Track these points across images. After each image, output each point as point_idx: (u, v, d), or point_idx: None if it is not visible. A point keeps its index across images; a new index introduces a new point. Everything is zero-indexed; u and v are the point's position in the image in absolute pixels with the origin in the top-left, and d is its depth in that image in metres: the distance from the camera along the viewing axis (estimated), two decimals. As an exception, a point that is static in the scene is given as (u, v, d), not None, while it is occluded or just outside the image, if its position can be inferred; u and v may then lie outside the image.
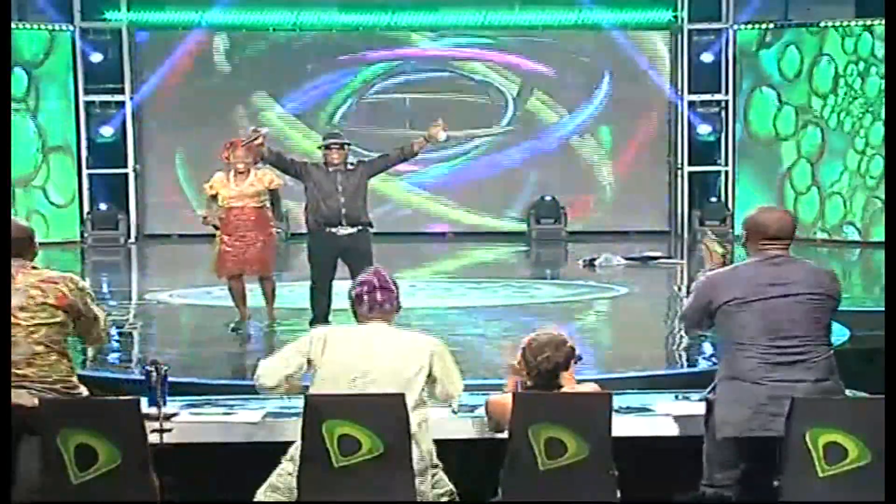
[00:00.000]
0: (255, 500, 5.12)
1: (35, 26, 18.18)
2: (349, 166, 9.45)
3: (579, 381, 5.34)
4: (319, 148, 9.69)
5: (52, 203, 18.31)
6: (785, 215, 5.26)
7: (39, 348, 5.12)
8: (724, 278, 5.15)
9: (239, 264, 9.73)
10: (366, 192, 9.49)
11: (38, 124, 18.22)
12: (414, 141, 9.63)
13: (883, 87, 16.87)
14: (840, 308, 5.24)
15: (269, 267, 9.86)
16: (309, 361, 5.11)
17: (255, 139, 9.33)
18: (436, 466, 5.14)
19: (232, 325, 9.93)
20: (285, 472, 5.05)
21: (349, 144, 9.60)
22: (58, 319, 5.17)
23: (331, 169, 9.40)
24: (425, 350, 5.14)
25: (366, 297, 5.21)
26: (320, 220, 9.34)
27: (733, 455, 5.09)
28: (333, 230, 9.21)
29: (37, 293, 5.15)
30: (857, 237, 17.69)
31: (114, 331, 10.74)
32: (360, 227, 9.36)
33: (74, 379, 5.30)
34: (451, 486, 5.18)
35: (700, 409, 5.96)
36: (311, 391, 5.07)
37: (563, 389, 5.19)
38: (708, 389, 5.22)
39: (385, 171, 9.97)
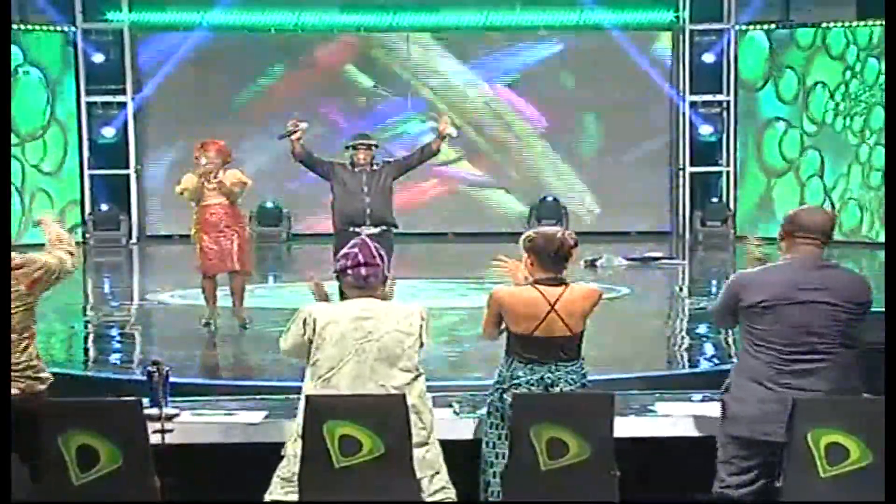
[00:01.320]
0: (271, 499, 5.11)
1: (36, 27, 18.20)
2: (374, 166, 9.55)
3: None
4: (347, 148, 9.79)
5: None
6: (821, 212, 5.19)
7: (13, 336, 5.14)
8: (754, 279, 5.08)
9: (221, 262, 9.89)
10: (391, 192, 9.62)
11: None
12: (431, 141, 9.82)
13: (884, 86, 16.87)
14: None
15: (244, 262, 9.99)
16: (310, 341, 5.12)
17: (294, 133, 9.44)
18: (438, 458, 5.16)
19: (204, 321, 10.10)
20: (291, 464, 5.07)
21: (377, 146, 9.75)
22: (28, 302, 5.21)
23: (356, 169, 9.55)
24: (417, 316, 5.16)
25: (350, 272, 5.18)
26: (345, 219, 9.45)
27: (746, 458, 5.05)
28: (358, 230, 9.23)
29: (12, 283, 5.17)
30: (857, 237, 17.70)
31: (115, 331, 10.79)
32: (384, 227, 9.44)
33: (41, 363, 5.30)
34: (451, 487, 5.19)
35: (701, 409, 5.97)
36: (319, 371, 5.07)
37: (571, 286, 5.28)
38: (722, 389, 5.18)
39: (409, 170, 10.09)
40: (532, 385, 5.20)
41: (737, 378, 5.11)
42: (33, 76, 18.08)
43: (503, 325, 5.32)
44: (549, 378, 5.21)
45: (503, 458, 5.19)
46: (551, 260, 5.28)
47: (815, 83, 18.16)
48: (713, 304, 5.33)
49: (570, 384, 5.22)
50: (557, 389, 5.19)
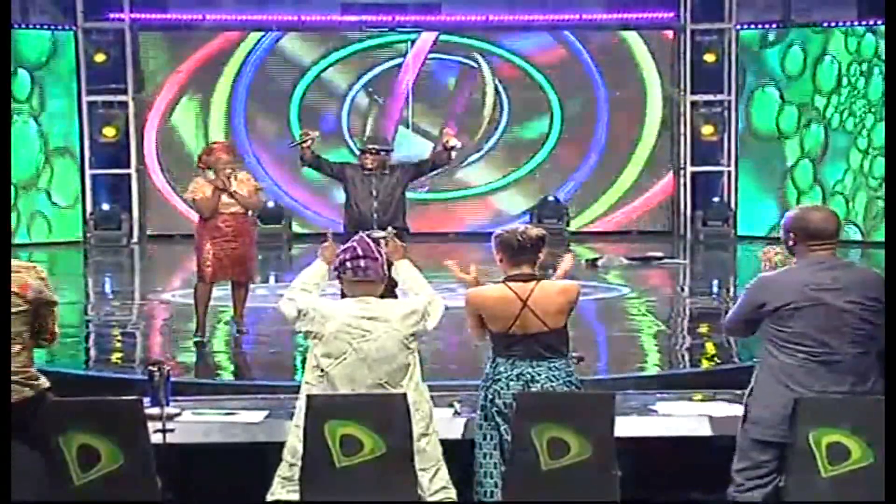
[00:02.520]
0: (272, 498, 5.12)
1: (38, 27, 18.19)
2: (386, 170, 9.47)
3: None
4: (360, 151, 9.75)
5: (54, 204, 18.32)
6: (830, 216, 5.12)
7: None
8: (777, 282, 5.03)
9: (224, 270, 9.61)
10: (403, 196, 9.48)
11: (40, 126, 18.22)
12: (440, 151, 9.68)
13: (884, 87, 16.85)
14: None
15: (248, 273, 9.80)
16: (307, 335, 5.18)
17: (305, 142, 9.42)
18: (438, 461, 5.18)
19: (194, 334, 9.76)
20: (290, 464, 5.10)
21: (389, 150, 9.64)
22: (20, 308, 5.07)
23: (367, 172, 9.44)
24: (417, 315, 5.21)
25: (349, 264, 5.23)
26: (353, 222, 9.35)
27: (766, 462, 4.99)
28: (366, 233, 9.15)
29: None
30: (858, 237, 17.67)
31: (117, 331, 10.79)
32: (394, 231, 9.32)
33: (33, 370, 5.19)
34: (451, 487, 5.19)
35: (702, 409, 5.98)
36: (317, 365, 5.11)
37: (542, 282, 5.28)
38: (747, 393, 5.11)
39: (421, 176, 10.02)
40: (512, 380, 5.22)
41: (761, 381, 5.03)
42: (26, 76, 18.05)
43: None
44: (528, 374, 5.22)
45: (490, 457, 5.22)
46: (517, 252, 5.29)
47: (816, 83, 18.14)
48: (729, 314, 5.21)
49: (552, 381, 5.22)
50: (538, 386, 5.20)
